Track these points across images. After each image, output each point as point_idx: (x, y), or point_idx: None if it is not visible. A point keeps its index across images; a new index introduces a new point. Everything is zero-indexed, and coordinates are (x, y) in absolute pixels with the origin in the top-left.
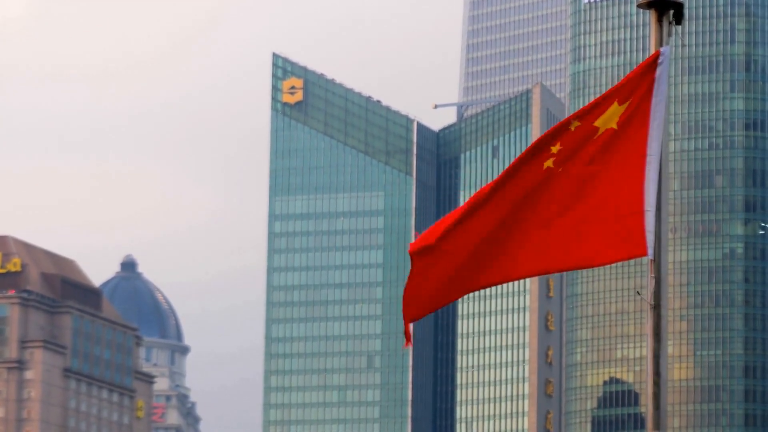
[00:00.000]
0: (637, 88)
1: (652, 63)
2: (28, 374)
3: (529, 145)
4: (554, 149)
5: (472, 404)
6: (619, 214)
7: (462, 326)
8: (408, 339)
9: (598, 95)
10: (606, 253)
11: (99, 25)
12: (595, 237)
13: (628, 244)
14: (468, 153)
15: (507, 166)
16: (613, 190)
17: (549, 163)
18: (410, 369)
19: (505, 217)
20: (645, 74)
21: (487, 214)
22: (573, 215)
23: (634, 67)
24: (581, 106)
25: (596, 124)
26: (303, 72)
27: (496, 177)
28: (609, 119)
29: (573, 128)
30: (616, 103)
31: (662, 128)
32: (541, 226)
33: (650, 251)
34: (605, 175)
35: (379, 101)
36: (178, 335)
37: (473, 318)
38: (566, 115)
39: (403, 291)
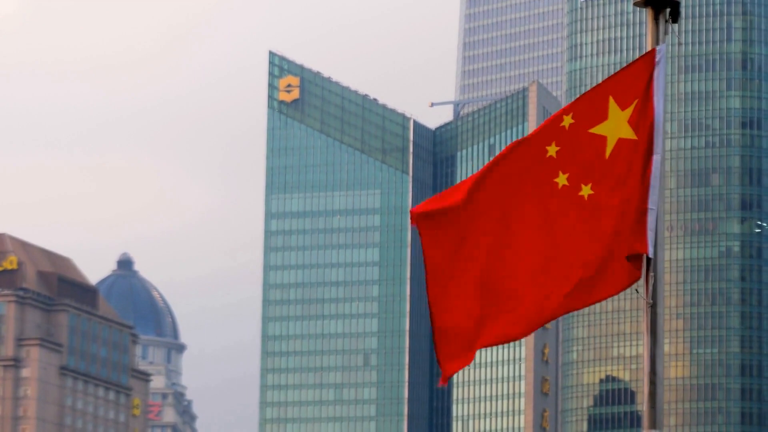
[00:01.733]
0: (636, 89)
1: (649, 61)
2: (25, 372)
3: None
4: (551, 150)
5: (469, 402)
6: (624, 212)
7: None
8: (444, 379)
9: None
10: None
11: (94, 21)
12: (606, 246)
13: (630, 242)
14: (464, 151)
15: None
16: (618, 197)
17: (563, 180)
18: (406, 367)
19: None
20: (642, 74)
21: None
22: (595, 238)
23: None
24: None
25: (596, 131)
26: (299, 70)
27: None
28: (615, 127)
29: (567, 126)
30: (618, 108)
31: (661, 127)
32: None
33: (650, 250)
34: (619, 190)
35: (375, 99)
36: (175, 333)
37: None
38: None
39: (399, 290)
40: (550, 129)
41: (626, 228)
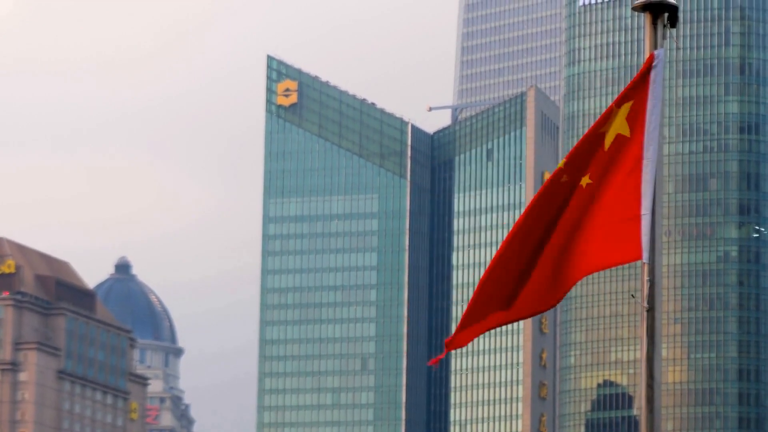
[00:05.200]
0: (633, 91)
1: (647, 66)
2: (22, 376)
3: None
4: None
5: (466, 407)
6: (616, 218)
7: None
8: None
9: (592, 98)
10: (602, 258)
11: (92, 23)
12: (592, 242)
13: (623, 248)
14: (462, 155)
15: (500, 169)
16: (611, 194)
17: (564, 178)
18: (404, 371)
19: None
20: (641, 77)
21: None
22: (580, 225)
23: (629, 70)
24: (576, 109)
25: (602, 130)
26: (297, 74)
27: (491, 180)
28: (615, 124)
29: (564, 179)
30: (617, 108)
31: (658, 131)
32: (561, 247)
33: (645, 255)
34: (606, 181)
35: (373, 104)
36: (172, 337)
37: None
38: (560, 118)
39: (397, 294)
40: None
41: (615, 230)
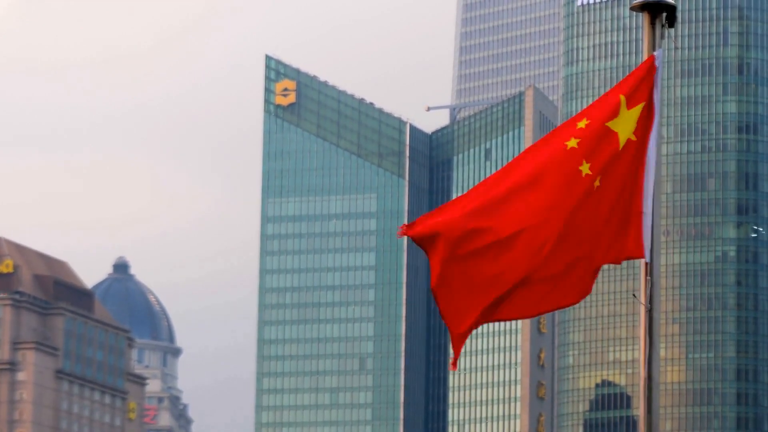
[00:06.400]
0: (642, 93)
1: (650, 67)
2: (20, 376)
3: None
4: (571, 143)
5: (464, 407)
6: (621, 215)
7: None
8: (454, 363)
9: (591, 98)
10: (609, 253)
11: (90, 23)
12: (600, 237)
13: (627, 246)
14: (461, 155)
15: (499, 168)
16: (618, 192)
17: (586, 169)
18: (402, 371)
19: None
20: (647, 79)
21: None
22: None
23: (627, 69)
24: (574, 109)
25: (610, 125)
26: (296, 74)
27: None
28: (625, 125)
29: (584, 125)
30: (625, 107)
31: (657, 131)
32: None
33: (647, 254)
34: (612, 181)
35: (371, 103)
36: (170, 337)
37: None
38: (559, 118)
39: (395, 294)
40: (566, 130)
41: (611, 231)
